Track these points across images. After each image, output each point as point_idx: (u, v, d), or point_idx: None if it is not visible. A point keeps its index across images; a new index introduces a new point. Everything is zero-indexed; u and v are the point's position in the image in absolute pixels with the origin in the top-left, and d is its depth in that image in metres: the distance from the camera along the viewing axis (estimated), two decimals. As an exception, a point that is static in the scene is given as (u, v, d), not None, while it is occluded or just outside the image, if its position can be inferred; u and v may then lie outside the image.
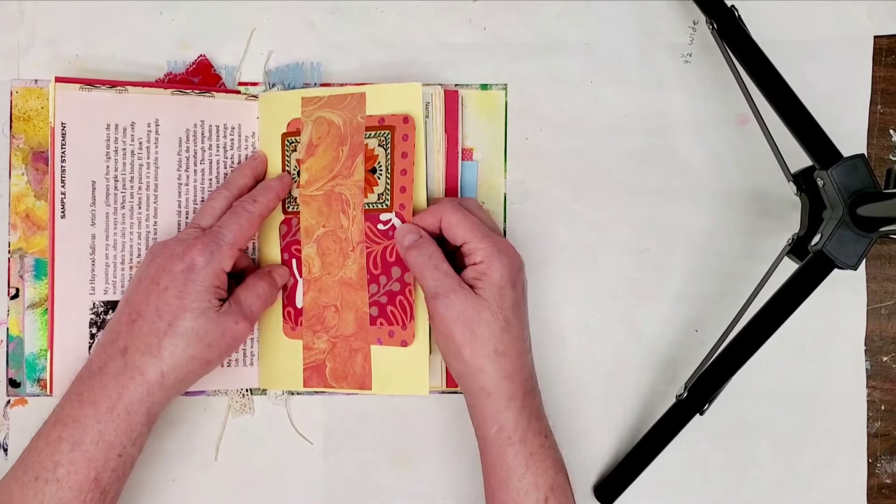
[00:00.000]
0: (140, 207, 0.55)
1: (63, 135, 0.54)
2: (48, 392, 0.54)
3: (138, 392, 0.48)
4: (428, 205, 0.54)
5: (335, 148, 0.54)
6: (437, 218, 0.52)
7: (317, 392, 0.57)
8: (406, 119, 0.53)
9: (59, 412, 0.49)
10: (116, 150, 0.55)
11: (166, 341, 0.48)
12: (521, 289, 0.51)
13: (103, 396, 0.48)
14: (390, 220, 0.53)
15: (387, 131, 0.53)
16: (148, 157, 0.55)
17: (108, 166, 0.54)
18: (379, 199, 0.53)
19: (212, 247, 0.50)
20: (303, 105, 0.55)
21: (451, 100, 0.56)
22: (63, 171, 0.54)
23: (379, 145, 0.53)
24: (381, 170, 0.53)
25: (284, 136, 0.56)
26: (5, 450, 0.56)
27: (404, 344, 0.53)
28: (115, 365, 0.48)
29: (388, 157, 0.53)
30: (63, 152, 0.54)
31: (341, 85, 0.57)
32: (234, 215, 0.52)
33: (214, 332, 0.49)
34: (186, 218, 0.56)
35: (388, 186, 0.53)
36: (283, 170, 0.56)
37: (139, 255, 0.55)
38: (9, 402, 0.56)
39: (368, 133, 0.54)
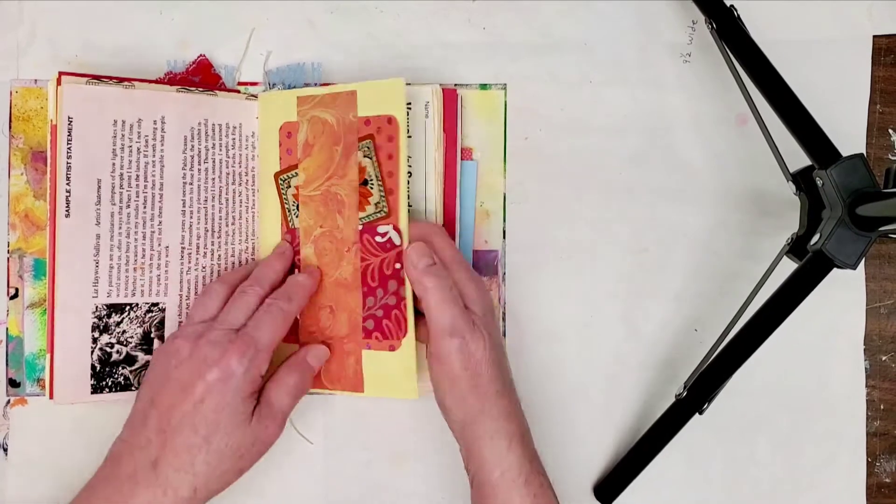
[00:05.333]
0: (145, 207, 0.54)
1: (69, 130, 0.53)
2: (49, 395, 0.53)
3: None
4: (417, 206, 0.55)
5: (330, 147, 0.54)
6: (423, 236, 0.52)
7: (316, 392, 0.57)
8: (390, 120, 0.53)
9: None
10: (123, 148, 0.54)
11: (200, 458, 0.47)
12: (497, 321, 0.52)
13: None
14: (387, 232, 0.53)
15: (368, 140, 0.53)
16: (154, 155, 0.54)
17: (114, 164, 0.54)
18: (377, 208, 0.53)
19: (250, 353, 0.48)
20: (298, 104, 0.55)
21: (450, 99, 0.56)
22: (69, 168, 0.53)
23: (364, 156, 0.53)
24: (371, 180, 0.53)
25: (277, 175, 0.55)
26: (5, 450, 0.56)
27: (392, 348, 0.53)
28: (146, 476, 0.47)
29: (376, 165, 0.53)
30: (69, 148, 0.53)
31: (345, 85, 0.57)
32: (270, 316, 0.50)
33: (247, 443, 0.48)
34: (191, 218, 0.55)
35: (382, 193, 0.53)
36: (281, 201, 0.55)
37: (143, 255, 0.54)
38: (9, 401, 0.56)
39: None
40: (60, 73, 0.53)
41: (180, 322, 0.54)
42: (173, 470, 0.47)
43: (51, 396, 0.53)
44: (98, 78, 0.54)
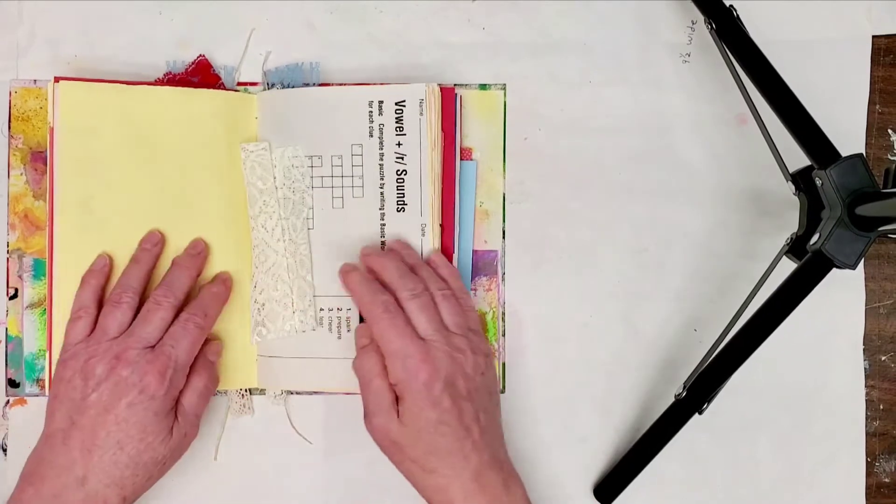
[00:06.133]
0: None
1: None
2: (48, 390, 0.54)
3: None
4: (413, 206, 0.55)
5: None
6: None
7: (316, 392, 0.57)
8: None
9: None
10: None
11: (129, 472, 0.48)
12: (445, 399, 0.48)
13: None
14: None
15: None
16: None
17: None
18: None
19: (169, 372, 0.49)
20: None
21: (449, 98, 0.56)
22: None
23: None
24: None
25: None
26: (5, 450, 0.56)
27: None
28: (74, 495, 0.47)
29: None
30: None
31: (340, 85, 0.57)
32: (187, 333, 0.51)
33: (170, 453, 0.50)
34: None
35: None
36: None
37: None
38: (8, 401, 0.56)
39: None
40: (57, 78, 0.53)
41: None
42: (103, 485, 0.48)
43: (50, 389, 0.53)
44: (95, 81, 0.54)
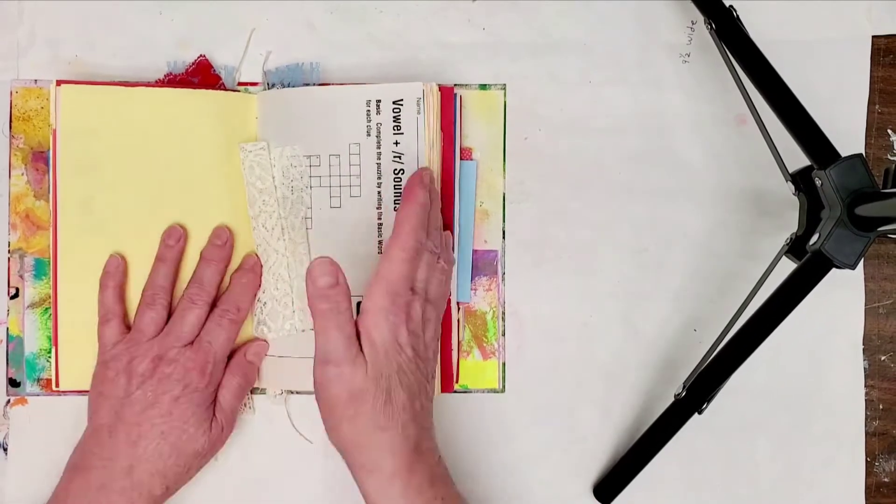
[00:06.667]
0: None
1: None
2: (55, 384, 0.55)
3: None
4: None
5: None
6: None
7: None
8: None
9: None
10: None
11: (171, 461, 0.50)
12: (408, 349, 0.47)
13: None
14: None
15: None
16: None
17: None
18: None
19: (209, 367, 0.52)
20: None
21: (448, 98, 0.56)
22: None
23: None
24: None
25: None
26: (5, 449, 0.56)
27: None
28: (121, 484, 0.50)
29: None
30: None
31: (341, 85, 0.57)
32: (222, 328, 0.53)
33: (210, 446, 0.52)
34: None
35: None
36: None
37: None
38: (9, 401, 0.56)
39: None
40: (58, 81, 0.53)
41: None
42: (148, 475, 0.50)
43: (56, 384, 0.55)
44: (94, 84, 0.54)
